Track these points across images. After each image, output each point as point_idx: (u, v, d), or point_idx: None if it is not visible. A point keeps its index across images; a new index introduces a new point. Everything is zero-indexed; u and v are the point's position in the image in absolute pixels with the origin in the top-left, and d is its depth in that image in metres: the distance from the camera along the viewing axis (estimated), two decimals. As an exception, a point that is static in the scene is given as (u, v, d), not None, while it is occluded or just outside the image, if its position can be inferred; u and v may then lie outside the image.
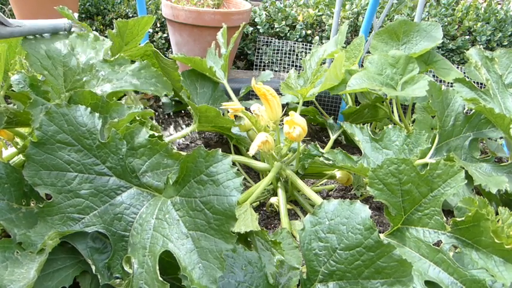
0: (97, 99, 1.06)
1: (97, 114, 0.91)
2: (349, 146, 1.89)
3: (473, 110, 1.37)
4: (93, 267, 0.85)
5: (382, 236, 1.02)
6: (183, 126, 1.98)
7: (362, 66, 1.60)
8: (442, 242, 0.96)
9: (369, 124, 1.84)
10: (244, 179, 1.60)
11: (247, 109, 1.45)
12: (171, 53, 2.50)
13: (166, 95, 1.32)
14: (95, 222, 0.88)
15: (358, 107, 1.73)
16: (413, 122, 1.76)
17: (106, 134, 0.92)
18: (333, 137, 1.70)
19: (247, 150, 1.55)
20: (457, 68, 1.88)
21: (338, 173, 1.41)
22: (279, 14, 2.71)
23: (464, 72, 1.66)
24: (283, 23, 2.67)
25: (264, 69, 2.57)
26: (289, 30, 2.68)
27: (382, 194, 1.00)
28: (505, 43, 2.80)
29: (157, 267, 0.77)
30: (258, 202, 1.47)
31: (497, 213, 1.02)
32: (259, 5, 2.84)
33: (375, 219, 1.49)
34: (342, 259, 0.87)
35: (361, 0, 2.85)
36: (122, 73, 1.23)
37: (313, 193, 1.22)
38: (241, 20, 2.21)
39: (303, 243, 0.91)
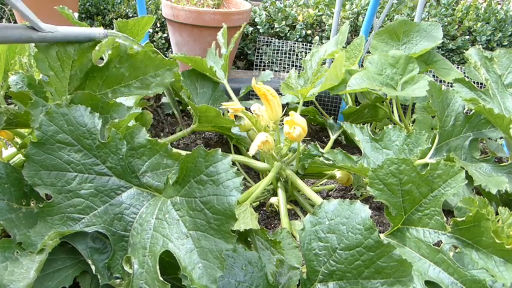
0: (97, 100, 1.05)
1: (97, 114, 0.91)
2: (349, 146, 1.89)
3: (473, 110, 1.37)
4: (93, 267, 0.85)
5: (382, 236, 1.02)
6: (183, 126, 1.98)
7: (362, 66, 1.60)
8: (442, 242, 0.96)
9: (369, 124, 1.84)
10: (244, 179, 1.60)
11: (248, 109, 1.45)
12: (171, 53, 2.50)
13: (166, 95, 1.31)
14: (94, 222, 0.88)
15: (358, 107, 1.73)
16: (413, 122, 1.76)
17: (106, 134, 0.92)
18: (333, 137, 1.70)
19: (247, 150, 1.55)
20: (457, 68, 1.88)
21: (338, 173, 1.41)
22: (279, 14, 2.71)
23: (464, 72, 1.66)
24: (283, 23, 2.67)
25: (264, 69, 2.57)
26: (289, 30, 2.68)
27: (383, 194, 1.00)
28: (505, 43, 2.80)
29: (158, 267, 0.77)
30: (258, 202, 1.47)
31: (497, 213, 1.02)
32: (259, 5, 2.85)
33: (375, 219, 1.49)
34: (342, 259, 0.87)
35: (361, 0, 2.85)
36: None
37: (313, 193, 1.22)
38: (241, 20, 2.21)
39: (303, 243, 0.91)
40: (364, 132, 1.35)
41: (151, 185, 0.91)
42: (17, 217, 0.90)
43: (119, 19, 1.43)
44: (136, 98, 1.44)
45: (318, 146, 1.29)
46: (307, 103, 1.91)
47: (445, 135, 1.38)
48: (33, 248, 0.84)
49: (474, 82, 1.45)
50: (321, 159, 1.25)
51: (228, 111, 1.47)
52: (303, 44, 2.59)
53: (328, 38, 2.64)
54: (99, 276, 0.84)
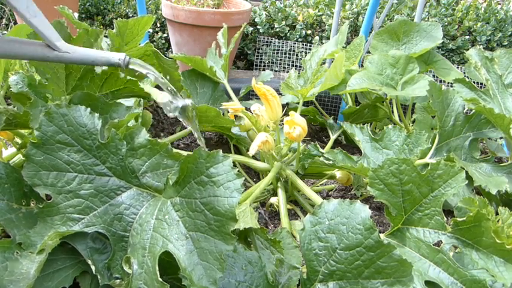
0: (96, 100, 1.05)
1: (97, 115, 0.91)
2: (349, 146, 1.89)
3: (473, 110, 1.37)
4: (93, 268, 0.85)
5: (382, 236, 1.02)
6: (183, 126, 1.98)
7: (362, 66, 1.60)
8: (442, 242, 0.96)
9: (369, 124, 1.84)
10: (244, 179, 1.60)
11: (247, 109, 1.45)
12: (171, 53, 2.50)
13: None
14: (94, 222, 0.88)
15: (358, 107, 1.73)
16: (413, 122, 1.76)
17: (106, 134, 0.92)
18: (333, 137, 1.70)
19: (247, 150, 1.55)
20: (457, 68, 1.88)
21: (338, 173, 1.41)
22: (279, 14, 2.71)
23: (464, 72, 1.66)
24: (283, 23, 2.67)
25: (264, 69, 2.57)
26: (289, 30, 2.68)
27: (383, 194, 1.00)
28: (505, 43, 2.80)
29: (157, 268, 0.77)
30: (258, 202, 1.47)
31: (497, 213, 1.02)
32: (259, 5, 2.84)
33: (375, 219, 1.49)
34: (342, 259, 0.87)
35: (361, 0, 2.85)
36: (122, 73, 1.22)
37: (313, 193, 1.22)
38: (241, 20, 2.21)
39: (303, 243, 0.91)
40: (364, 132, 1.35)
41: (151, 186, 0.91)
42: (17, 217, 0.90)
43: (118, 19, 1.43)
44: (135, 99, 1.44)
45: (318, 146, 1.29)
46: (307, 103, 1.91)
47: (445, 135, 1.38)
48: (33, 248, 0.84)
49: (474, 82, 1.45)
50: (321, 159, 1.25)
51: (228, 111, 1.47)
52: (303, 44, 2.59)
53: (328, 38, 2.64)
54: (99, 277, 0.84)
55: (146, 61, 1.30)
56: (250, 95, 2.13)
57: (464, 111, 1.41)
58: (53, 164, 0.87)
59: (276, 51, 2.59)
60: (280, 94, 1.72)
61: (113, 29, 1.42)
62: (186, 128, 1.60)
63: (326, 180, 1.58)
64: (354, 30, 2.73)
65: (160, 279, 0.76)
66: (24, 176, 0.86)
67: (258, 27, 2.67)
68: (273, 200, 1.40)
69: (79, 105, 0.92)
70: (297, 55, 2.58)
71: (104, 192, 0.90)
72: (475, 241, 0.94)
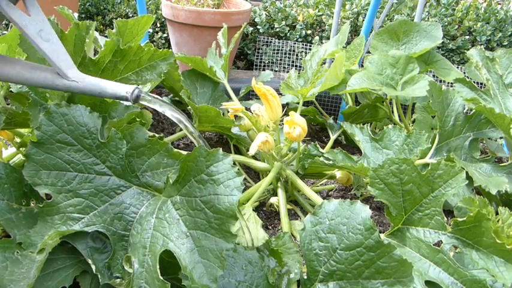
0: (95, 99, 1.05)
1: (96, 114, 0.91)
2: (349, 146, 1.89)
3: (474, 110, 1.37)
4: (93, 267, 0.85)
5: (382, 236, 1.02)
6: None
7: (362, 66, 1.60)
8: (442, 242, 0.96)
9: (369, 124, 1.84)
10: (245, 179, 1.60)
11: (248, 109, 1.44)
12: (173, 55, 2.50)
13: (166, 95, 1.32)
14: (95, 221, 0.88)
15: (358, 107, 1.73)
16: (413, 122, 1.76)
17: (106, 133, 0.92)
18: (333, 137, 1.70)
19: (247, 150, 1.55)
20: (457, 68, 1.88)
21: (338, 173, 1.41)
22: (279, 14, 2.71)
23: (464, 72, 1.66)
24: (283, 23, 2.67)
25: (264, 69, 2.57)
26: (289, 30, 2.68)
27: (383, 194, 1.00)
28: (505, 43, 2.80)
29: (158, 267, 0.77)
30: (258, 202, 1.47)
31: (497, 213, 1.02)
32: (259, 5, 2.85)
33: (375, 219, 1.49)
34: (342, 259, 0.87)
35: (361, 0, 2.85)
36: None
37: (313, 193, 1.22)
38: (241, 20, 2.21)
39: (303, 243, 0.91)
40: (364, 132, 1.35)
41: (151, 185, 0.91)
42: (17, 217, 0.90)
43: (118, 19, 1.43)
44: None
45: (318, 146, 1.29)
46: (307, 103, 1.91)
47: (445, 135, 1.38)
48: (33, 248, 0.84)
49: (474, 82, 1.45)
50: (321, 159, 1.25)
51: (228, 111, 1.47)
52: (303, 44, 2.59)
53: (328, 38, 2.64)
54: (99, 276, 0.84)
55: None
56: (250, 95, 2.13)
57: (464, 111, 1.41)
58: (53, 164, 0.87)
59: (276, 51, 2.59)
60: (280, 94, 1.72)
61: (112, 29, 1.42)
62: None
63: (326, 180, 1.58)
64: (354, 30, 2.73)
65: (161, 278, 0.76)
66: (25, 175, 0.86)
67: (258, 27, 2.67)
68: (273, 200, 1.40)
69: (78, 104, 0.92)
70: (297, 55, 2.58)
71: (104, 191, 0.90)
72: (475, 241, 0.94)
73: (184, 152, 1.37)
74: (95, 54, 1.24)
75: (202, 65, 1.70)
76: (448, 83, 2.14)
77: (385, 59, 1.52)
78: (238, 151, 1.72)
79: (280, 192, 1.33)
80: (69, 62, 0.85)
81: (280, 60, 2.57)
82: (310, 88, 1.57)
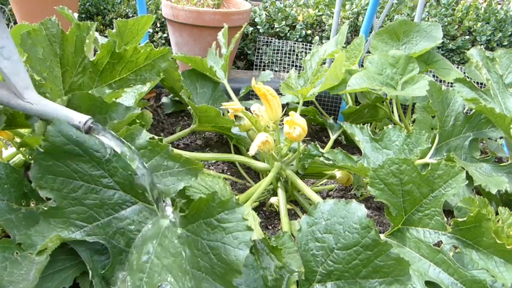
0: (95, 100, 1.05)
1: (107, 138, 0.89)
2: (349, 146, 1.89)
3: (474, 110, 1.37)
4: (90, 273, 0.84)
5: (382, 236, 1.02)
6: (183, 126, 1.98)
7: (362, 66, 1.60)
8: (442, 243, 0.96)
9: (369, 124, 1.84)
10: (244, 179, 1.60)
11: (247, 109, 1.44)
12: (171, 53, 2.50)
13: (166, 95, 1.32)
14: (96, 232, 0.87)
15: (358, 107, 1.73)
16: (413, 122, 1.76)
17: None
18: (333, 137, 1.70)
19: (247, 150, 1.55)
20: (457, 68, 1.88)
21: (338, 173, 1.41)
22: (279, 14, 2.71)
23: (464, 72, 1.66)
24: (283, 23, 2.67)
25: (264, 69, 2.57)
26: (289, 30, 2.68)
27: (383, 194, 1.00)
28: (505, 43, 2.80)
29: None
30: (258, 202, 1.47)
31: (497, 213, 1.02)
32: (259, 5, 2.84)
33: (375, 219, 1.49)
34: (339, 259, 0.87)
35: (361, 0, 2.85)
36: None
37: (313, 193, 1.22)
38: (241, 20, 2.21)
39: (300, 244, 0.91)
40: (364, 132, 1.35)
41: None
42: (17, 218, 0.90)
43: (118, 19, 1.43)
44: (135, 97, 1.44)
45: (318, 146, 1.29)
46: (307, 103, 1.91)
47: (445, 135, 1.38)
48: (33, 249, 0.83)
49: (474, 82, 1.45)
50: (321, 159, 1.25)
51: (228, 111, 1.47)
52: (303, 44, 2.59)
53: (328, 38, 2.64)
54: (93, 283, 0.83)
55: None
56: (250, 95, 2.13)
57: (464, 111, 1.40)
58: (60, 171, 0.86)
59: (276, 51, 2.59)
60: (280, 94, 1.72)
61: (112, 29, 1.43)
62: (186, 128, 1.60)
63: (326, 180, 1.58)
64: (354, 30, 2.73)
65: None
66: (31, 178, 0.84)
67: (258, 27, 2.67)
68: (273, 200, 1.40)
69: (77, 105, 0.91)
70: (297, 55, 2.58)
71: (110, 204, 0.89)
72: (475, 241, 0.94)
73: (184, 153, 1.37)
74: (94, 55, 1.24)
75: (202, 65, 1.70)
76: (448, 83, 2.14)
77: (385, 59, 1.52)
78: (238, 151, 1.72)
79: (280, 192, 1.33)
80: (28, 83, 0.84)
81: (280, 60, 2.57)
82: (310, 88, 1.57)
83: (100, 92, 1.16)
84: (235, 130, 1.52)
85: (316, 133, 2.09)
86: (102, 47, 1.12)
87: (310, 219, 0.92)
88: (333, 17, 2.42)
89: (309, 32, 2.70)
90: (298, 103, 1.66)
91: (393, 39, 1.72)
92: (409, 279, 0.83)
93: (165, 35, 2.71)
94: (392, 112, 1.75)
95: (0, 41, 0.78)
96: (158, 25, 2.75)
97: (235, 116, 1.48)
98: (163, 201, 0.89)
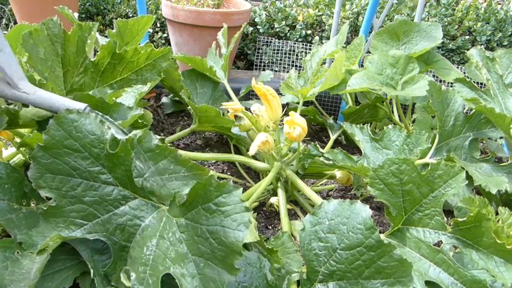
0: (96, 101, 1.05)
1: (107, 124, 0.89)
2: (349, 146, 1.89)
3: (473, 110, 1.37)
4: (92, 271, 0.84)
5: (382, 236, 1.02)
6: (183, 126, 1.98)
7: (362, 66, 1.60)
8: (442, 243, 0.96)
9: (369, 124, 1.84)
10: (244, 179, 1.60)
11: (247, 109, 1.45)
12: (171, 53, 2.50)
13: (166, 95, 1.32)
14: (97, 230, 0.87)
15: (358, 107, 1.73)
16: (413, 122, 1.76)
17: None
18: (333, 137, 1.70)
19: (247, 150, 1.55)
20: (457, 68, 1.88)
21: (338, 173, 1.41)
22: (279, 14, 2.71)
23: (464, 72, 1.66)
24: (283, 23, 2.67)
25: (264, 69, 2.57)
26: (289, 30, 2.68)
27: (383, 194, 1.00)
28: (505, 43, 2.80)
29: None
30: (258, 202, 1.47)
31: (497, 213, 1.02)
32: (259, 5, 2.85)
33: (375, 219, 1.49)
34: (342, 259, 0.87)
35: (361, 0, 2.85)
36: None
37: (313, 193, 1.22)
38: (241, 20, 2.21)
39: (303, 243, 0.91)
40: (364, 132, 1.35)
41: (155, 191, 0.90)
42: (17, 217, 0.90)
43: (118, 19, 1.43)
44: (136, 96, 1.44)
45: (318, 146, 1.29)
46: (307, 103, 1.91)
47: (445, 135, 1.38)
48: (34, 249, 0.83)
49: (474, 82, 1.45)
50: (321, 159, 1.25)
51: (228, 111, 1.47)
52: (303, 44, 2.59)
53: (328, 38, 2.64)
54: (95, 281, 0.83)
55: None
56: (250, 95, 2.13)
57: (464, 111, 1.41)
58: (59, 168, 0.86)
59: (276, 51, 2.59)
60: (280, 94, 1.72)
61: (112, 29, 1.43)
62: (186, 128, 1.60)
63: (326, 180, 1.58)
64: (354, 30, 2.73)
65: None
66: (30, 177, 0.85)
67: (258, 27, 2.67)
68: (273, 200, 1.40)
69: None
70: (297, 55, 2.58)
71: (109, 201, 0.89)
72: (475, 241, 0.94)
73: (184, 153, 1.37)
74: (94, 54, 1.25)
75: (202, 65, 1.70)
76: (448, 83, 2.14)
77: (385, 59, 1.52)
78: (238, 151, 1.73)
79: (280, 192, 1.33)
80: (21, 74, 0.86)
81: (280, 60, 2.57)
82: (310, 88, 1.57)
83: (101, 92, 1.17)
84: (235, 130, 1.52)
85: (316, 133, 2.09)
86: (102, 48, 1.12)
87: (314, 219, 0.92)
88: (333, 17, 2.42)
89: (309, 32, 2.70)
90: (298, 103, 1.66)
91: (393, 39, 1.72)
92: (411, 280, 0.83)
93: (165, 35, 2.71)
94: (392, 112, 1.75)
95: None
96: (158, 25, 2.75)
97: (235, 116, 1.48)
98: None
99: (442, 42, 2.65)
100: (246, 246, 0.98)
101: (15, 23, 2.59)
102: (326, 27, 2.71)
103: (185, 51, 2.25)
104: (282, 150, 1.34)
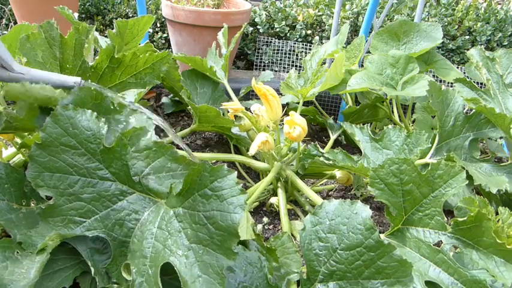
0: (96, 101, 1.05)
1: (103, 120, 0.90)
2: (349, 146, 1.89)
3: (473, 110, 1.37)
4: (93, 270, 0.85)
5: (382, 236, 1.02)
6: (183, 126, 1.98)
7: (362, 66, 1.60)
8: (442, 243, 0.96)
9: (369, 124, 1.84)
10: (244, 179, 1.60)
11: (248, 109, 1.45)
12: (171, 53, 2.50)
13: (166, 95, 1.32)
14: (96, 226, 0.87)
15: (358, 107, 1.73)
16: (413, 122, 1.76)
17: (112, 136, 0.91)
18: (333, 137, 1.70)
19: (247, 150, 1.55)
20: (457, 68, 1.88)
21: (338, 173, 1.41)
22: (279, 14, 2.71)
23: (464, 72, 1.67)
24: (283, 23, 2.67)
25: (264, 69, 2.57)
26: (289, 30, 2.68)
27: (383, 194, 1.00)
28: (505, 43, 2.80)
29: (159, 279, 0.76)
30: (258, 202, 1.47)
31: (497, 213, 1.02)
32: (259, 5, 2.84)
33: (375, 219, 1.49)
34: (342, 259, 0.87)
35: (361, 0, 2.85)
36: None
37: (313, 193, 1.22)
38: (241, 20, 2.21)
39: (303, 243, 0.91)
40: (364, 132, 1.35)
41: (153, 189, 0.90)
42: (17, 217, 0.90)
43: (118, 19, 1.43)
44: (135, 97, 1.44)
45: (318, 146, 1.29)
46: (307, 103, 1.91)
47: (445, 135, 1.38)
48: (33, 248, 0.83)
49: (474, 82, 1.45)
50: (321, 159, 1.25)
51: (228, 111, 1.47)
52: (303, 44, 2.59)
53: (328, 38, 2.64)
54: (97, 279, 0.84)
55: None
56: (250, 95, 2.13)
57: (464, 111, 1.41)
58: (56, 166, 0.87)
59: (276, 51, 2.59)
60: (280, 94, 1.72)
61: (112, 29, 1.42)
62: (186, 128, 1.60)
63: (326, 180, 1.58)
64: (354, 30, 2.73)
65: None
66: (28, 177, 0.85)
67: (258, 27, 2.67)
68: (273, 200, 1.40)
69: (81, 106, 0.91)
70: (297, 55, 2.58)
71: (107, 196, 0.89)
72: (475, 241, 0.94)
73: (184, 153, 1.37)
74: (95, 54, 1.25)
75: (202, 65, 1.70)
76: (448, 83, 2.14)
77: (385, 59, 1.52)
78: (238, 151, 1.72)
79: (280, 192, 1.33)
80: (12, 58, 0.90)
81: (280, 60, 2.57)
82: (310, 88, 1.57)
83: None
84: (235, 130, 1.52)
85: (316, 133, 2.09)
86: (101, 52, 1.12)
87: (315, 219, 0.92)
88: (333, 17, 2.42)
89: (309, 32, 2.70)
90: (298, 103, 1.66)
91: (393, 39, 1.72)
92: (411, 280, 0.83)
93: (165, 35, 2.71)
94: (392, 112, 1.75)
95: None
96: (158, 25, 2.75)
97: (235, 116, 1.48)
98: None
99: (442, 42, 2.65)
100: (246, 245, 0.98)
101: (15, 23, 2.59)
102: (326, 27, 2.71)
103: (185, 51, 2.25)
104: (282, 150, 1.34)
